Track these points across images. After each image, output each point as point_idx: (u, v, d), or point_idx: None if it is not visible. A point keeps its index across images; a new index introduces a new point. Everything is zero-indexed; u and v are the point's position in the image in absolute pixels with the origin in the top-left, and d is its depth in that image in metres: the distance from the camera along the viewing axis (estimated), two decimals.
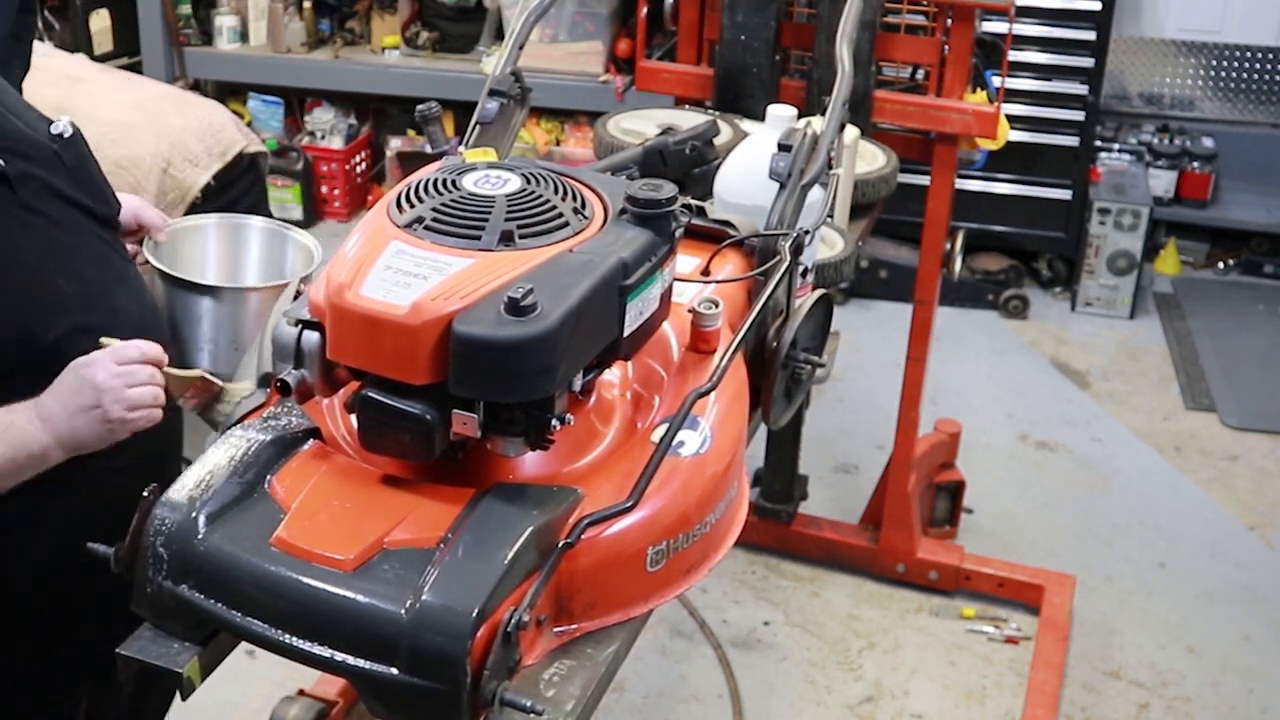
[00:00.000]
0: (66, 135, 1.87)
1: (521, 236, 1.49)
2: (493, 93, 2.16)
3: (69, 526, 1.73)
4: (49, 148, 1.85)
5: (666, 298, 1.61)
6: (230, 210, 2.81)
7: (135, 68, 4.94)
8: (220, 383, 1.70)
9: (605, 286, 1.46)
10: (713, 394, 1.61)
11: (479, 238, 1.48)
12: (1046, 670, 3.18)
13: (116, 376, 1.68)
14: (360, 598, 1.37)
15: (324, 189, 5.35)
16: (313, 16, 5.07)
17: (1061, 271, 5.13)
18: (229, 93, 5.20)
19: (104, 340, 1.73)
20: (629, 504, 1.48)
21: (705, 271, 1.85)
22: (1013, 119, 3.47)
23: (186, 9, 5.04)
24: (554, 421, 1.46)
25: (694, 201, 1.96)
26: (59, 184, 1.84)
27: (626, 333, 1.52)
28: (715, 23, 3.00)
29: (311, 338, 1.49)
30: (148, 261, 1.98)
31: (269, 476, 1.50)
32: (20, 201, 1.78)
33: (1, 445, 1.67)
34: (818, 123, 2.03)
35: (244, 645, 1.49)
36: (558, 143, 4.88)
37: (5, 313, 1.74)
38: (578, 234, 1.52)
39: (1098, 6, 4.82)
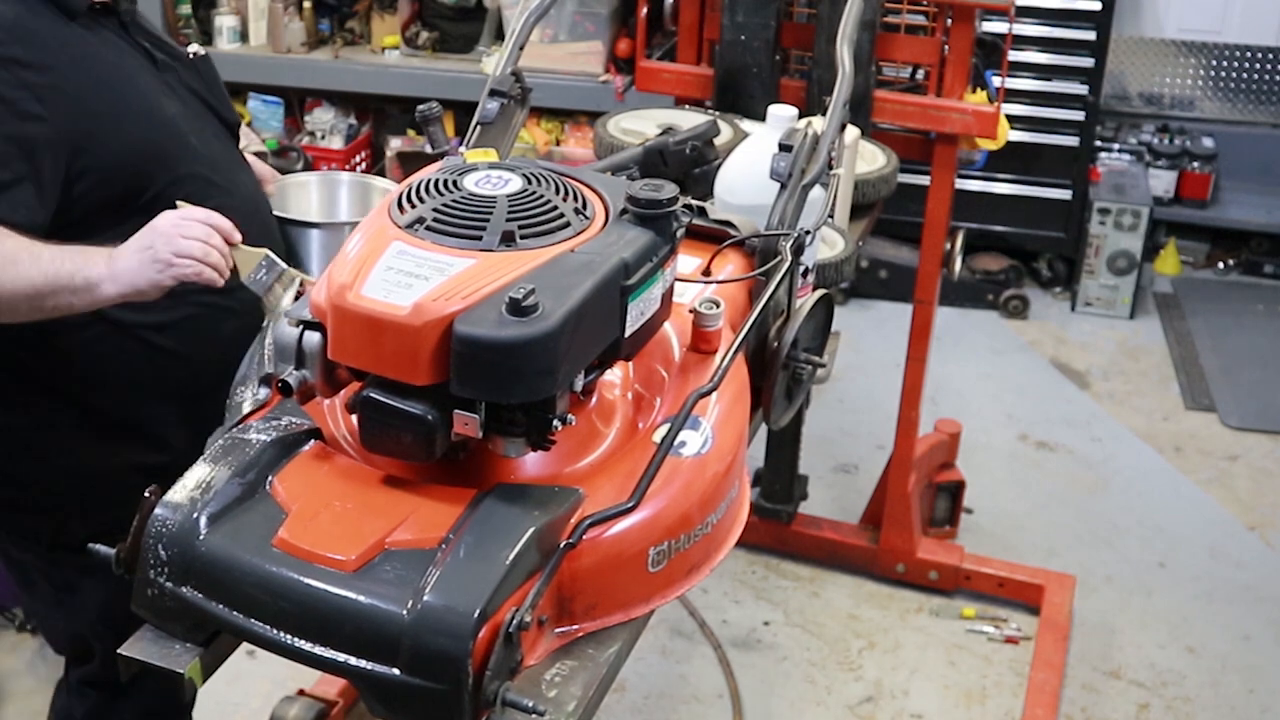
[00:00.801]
0: (200, 54, 2.23)
1: (523, 237, 1.49)
2: (493, 93, 2.16)
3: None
4: (187, 55, 2.20)
5: (668, 298, 1.61)
6: None
7: None
8: (283, 264, 1.84)
9: (607, 287, 1.46)
10: (714, 394, 1.61)
11: (480, 238, 1.48)
12: (1046, 670, 3.18)
13: (174, 225, 1.85)
14: (362, 598, 1.37)
15: None
16: (313, 16, 5.05)
17: (1061, 271, 5.13)
18: (229, 93, 5.20)
19: (179, 203, 1.90)
20: (630, 504, 1.48)
21: (706, 272, 1.85)
22: (1013, 119, 3.47)
23: (186, 9, 5.02)
24: (555, 422, 1.46)
25: (695, 202, 1.96)
26: (193, 83, 2.17)
27: (628, 333, 1.52)
28: (715, 23, 3.00)
29: (313, 338, 1.49)
30: None
31: (270, 477, 1.50)
32: (163, 79, 2.09)
33: (69, 262, 1.84)
34: (818, 123, 2.03)
35: (245, 645, 1.49)
36: (558, 143, 4.87)
37: (148, 146, 2.00)
38: (579, 234, 1.52)
39: (1098, 6, 4.81)
